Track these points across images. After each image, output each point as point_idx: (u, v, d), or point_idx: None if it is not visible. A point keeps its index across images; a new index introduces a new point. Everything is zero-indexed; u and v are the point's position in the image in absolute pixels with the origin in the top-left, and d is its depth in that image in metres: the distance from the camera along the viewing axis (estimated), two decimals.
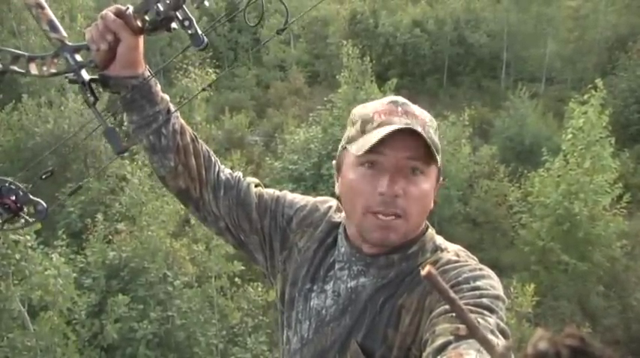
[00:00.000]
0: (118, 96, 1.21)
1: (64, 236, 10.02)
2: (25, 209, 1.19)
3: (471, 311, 0.92)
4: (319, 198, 1.33)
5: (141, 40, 1.17)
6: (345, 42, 16.86)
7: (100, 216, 11.01)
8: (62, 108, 14.62)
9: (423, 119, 1.08)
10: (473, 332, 0.44)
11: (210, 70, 17.31)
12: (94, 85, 1.20)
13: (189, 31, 1.11)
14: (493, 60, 25.42)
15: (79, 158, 14.13)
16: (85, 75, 1.18)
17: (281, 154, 16.71)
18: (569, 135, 12.88)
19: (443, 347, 0.87)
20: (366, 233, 1.10)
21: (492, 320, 0.92)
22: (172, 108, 1.24)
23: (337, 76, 16.65)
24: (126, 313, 9.56)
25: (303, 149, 15.72)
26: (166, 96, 1.24)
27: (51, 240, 10.06)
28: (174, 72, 17.81)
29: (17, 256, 8.27)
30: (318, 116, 16.87)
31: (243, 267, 11.04)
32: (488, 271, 1.05)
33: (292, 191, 1.38)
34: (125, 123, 1.25)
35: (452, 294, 0.45)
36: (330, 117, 16.11)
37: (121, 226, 10.95)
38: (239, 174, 1.33)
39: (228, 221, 1.29)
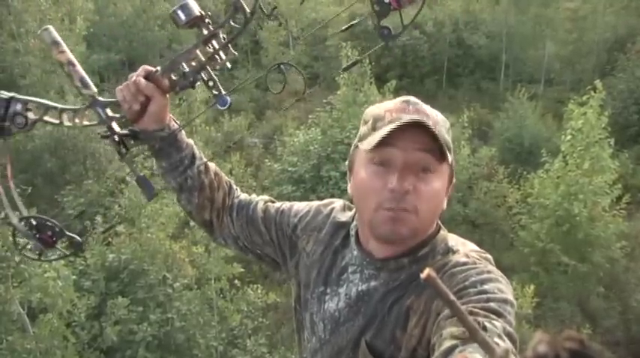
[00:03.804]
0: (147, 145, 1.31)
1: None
2: (59, 242, 1.33)
3: (478, 315, 0.92)
4: (323, 201, 1.37)
5: (168, 98, 1.27)
6: (344, 44, 16.83)
7: (99, 218, 10.99)
8: None
9: (434, 118, 1.10)
10: (473, 335, 0.44)
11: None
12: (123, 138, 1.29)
13: (214, 92, 1.19)
14: (492, 61, 25.38)
15: (78, 160, 14.11)
16: (117, 128, 1.27)
17: (280, 156, 16.67)
18: (569, 137, 12.88)
19: (449, 351, 0.88)
20: (377, 227, 1.10)
21: (499, 323, 0.91)
22: (197, 151, 1.35)
23: (336, 78, 16.64)
24: (125, 315, 9.55)
25: (302, 151, 15.68)
26: (191, 141, 1.35)
27: None
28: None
29: (17, 259, 8.26)
30: (318, 118, 16.83)
31: (242, 269, 11.03)
32: (497, 274, 1.05)
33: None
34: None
35: (451, 297, 0.45)
36: (329, 119, 16.09)
37: (120, 228, 10.93)
38: (253, 195, 1.43)
39: (244, 238, 1.39)
